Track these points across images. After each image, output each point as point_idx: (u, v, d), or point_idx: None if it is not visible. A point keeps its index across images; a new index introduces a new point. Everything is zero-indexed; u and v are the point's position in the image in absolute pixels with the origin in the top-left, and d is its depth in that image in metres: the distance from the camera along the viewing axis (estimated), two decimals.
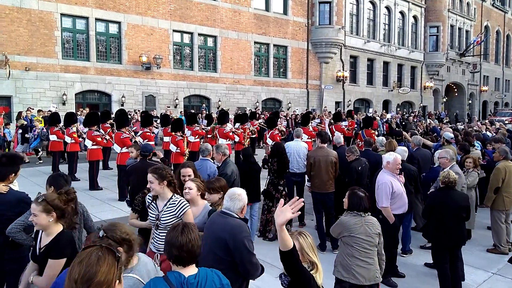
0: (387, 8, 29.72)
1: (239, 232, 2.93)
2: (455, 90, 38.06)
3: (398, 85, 31.21)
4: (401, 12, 30.88)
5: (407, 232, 6.05)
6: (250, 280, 3.21)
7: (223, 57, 21.23)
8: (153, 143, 9.91)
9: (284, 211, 2.29)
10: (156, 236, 3.53)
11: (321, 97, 25.75)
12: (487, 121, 20.65)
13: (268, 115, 16.93)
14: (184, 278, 2.21)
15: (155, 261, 3.39)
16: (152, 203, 3.59)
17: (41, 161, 12.81)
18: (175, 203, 3.48)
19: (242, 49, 21.92)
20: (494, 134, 12.35)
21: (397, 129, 16.35)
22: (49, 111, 14.06)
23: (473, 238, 6.61)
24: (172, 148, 9.56)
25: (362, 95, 28.80)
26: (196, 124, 11.72)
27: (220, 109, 18.97)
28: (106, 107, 17.23)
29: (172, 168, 8.17)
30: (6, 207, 3.51)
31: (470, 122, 25.73)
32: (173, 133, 9.74)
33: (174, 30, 19.39)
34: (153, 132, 11.67)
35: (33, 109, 14.58)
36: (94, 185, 9.53)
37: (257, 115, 17.27)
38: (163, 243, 3.36)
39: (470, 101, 39.02)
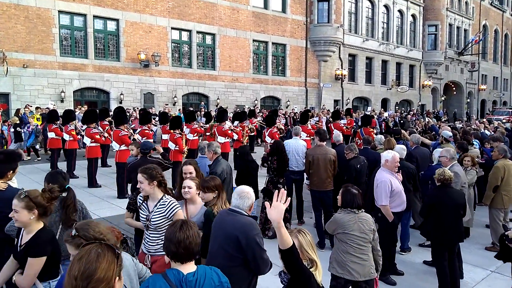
0: (386, 6, 29.72)
1: (250, 230, 2.96)
2: (454, 88, 38.13)
3: (397, 83, 31.26)
4: (400, 11, 30.89)
5: (406, 230, 6.07)
6: None
7: (221, 55, 21.20)
8: (151, 140, 9.89)
9: (276, 206, 2.29)
10: (146, 237, 3.47)
11: (319, 95, 25.76)
12: (484, 119, 20.70)
13: (266, 113, 16.95)
14: (182, 275, 2.21)
15: (145, 262, 3.37)
16: (143, 203, 3.52)
17: (39, 159, 12.78)
18: (165, 204, 3.40)
19: (240, 47, 21.89)
20: (492, 132, 12.38)
21: (394, 127, 16.36)
22: (47, 108, 14.03)
23: (471, 236, 6.62)
24: (171, 146, 9.54)
25: (361, 94, 28.82)
26: (194, 122, 11.70)
27: (218, 107, 18.96)
28: (104, 104, 17.19)
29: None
30: (4, 204, 3.48)
31: (469, 120, 25.79)
32: (172, 131, 9.73)
33: (172, 28, 19.34)
34: (151, 130, 11.64)
35: (31, 106, 14.55)
36: (92, 183, 9.52)
37: (256, 113, 17.25)
38: (154, 244, 3.36)
39: (468, 100, 39.10)
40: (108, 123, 11.68)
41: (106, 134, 10.50)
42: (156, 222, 3.36)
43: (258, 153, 13.76)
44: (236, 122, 13.20)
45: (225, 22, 21.16)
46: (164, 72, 19.20)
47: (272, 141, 10.23)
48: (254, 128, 15.08)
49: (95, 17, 17.14)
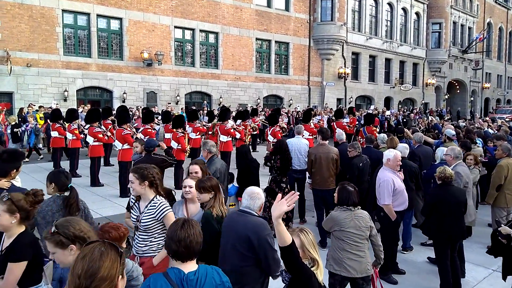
0: (390, 4, 29.61)
1: (262, 230, 2.99)
2: (457, 87, 37.96)
3: (400, 82, 31.15)
4: (404, 9, 30.77)
5: (408, 229, 6.06)
6: None
7: (224, 53, 21.20)
8: (154, 139, 9.91)
9: (280, 205, 2.34)
10: (136, 238, 3.41)
11: (322, 94, 25.71)
12: (487, 118, 20.59)
13: (269, 112, 16.94)
14: (183, 274, 2.22)
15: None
16: (136, 203, 3.46)
17: (41, 157, 12.81)
18: (155, 205, 3.32)
19: (243, 45, 21.88)
20: (496, 131, 12.33)
21: (398, 126, 16.32)
22: (50, 107, 14.08)
23: (473, 235, 6.61)
24: (173, 144, 9.56)
25: (364, 92, 28.75)
26: (197, 121, 11.72)
27: (221, 105, 18.96)
28: (107, 103, 17.25)
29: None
30: None
31: (472, 119, 25.67)
32: (174, 130, 9.75)
33: (175, 27, 19.36)
34: (154, 129, 11.68)
35: (34, 105, 14.61)
36: (95, 182, 9.56)
37: (258, 112, 17.25)
38: (143, 245, 3.33)
39: (472, 98, 38.91)
40: (111, 122, 11.72)
41: (109, 133, 10.54)
42: (145, 224, 3.29)
43: (261, 152, 13.76)
44: (238, 121, 13.20)
45: (228, 21, 21.15)
46: (167, 71, 19.23)
47: (274, 140, 10.25)
48: (257, 127, 15.07)
49: (98, 16, 17.18)
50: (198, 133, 11.38)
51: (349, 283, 3.84)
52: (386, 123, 19.95)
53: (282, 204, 2.34)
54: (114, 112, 13.02)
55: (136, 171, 3.34)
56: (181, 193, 3.85)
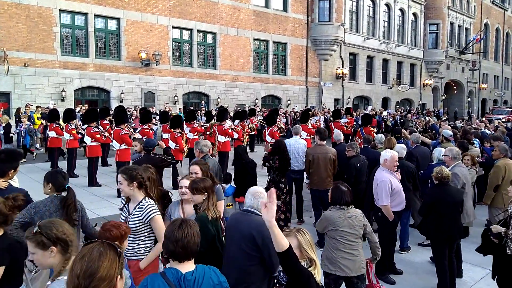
0: (387, 5, 29.68)
1: (266, 229, 2.96)
2: (454, 87, 38.07)
3: (398, 82, 31.22)
4: (401, 9, 30.84)
5: (405, 229, 6.08)
6: None
7: (222, 54, 21.20)
8: (153, 139, 9.90)
9: (270, 207, 2.21)
10: None
11: (320, 94, 25.75)
12: (484, 119, 20.67)
13: (267, 112, 16.95)
14: (181, 274, 2.22)
15: None
16: (126, 205, 3.43)
17: (35, 154, 12.73)
18: (142, 208, 3.27)
19: (241, 46, 21.89)
20: (493, 131, 12.37)
21: (395, 127, 16.35)
22: (47, 107, 14.04)
23: (471, 235, 6.61)
24: (171, 145, 9.55)
25: (362, 93, 28.80)
26: (195, 121, 11.71)
27: (219, 106, 18.97)
28: (105, 103, 17.22)
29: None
30: None
31: (469, 120, 25.75)
32: (172, 130, 9.74)
33: (173, 27, 19.35)
34: (152, 129, 11.65)
35: (31, 105, 14.57)
36: (93, 182, 9.54)
37: (256, 112, 17.26)
38: (130, 248, 3.29)
39: (469, 99, 39.03)
40: (108, 122, 11.70)
41: (106, 133, 10.52)
42: (132, 226, 3.23)
43: (259, 152, 13.78)
44: (236, 121, 13.21)
45: (226, 21, 21.16)
46: (164, 71, 19.21)
47: (272, 141, 10.25)
48: (255, 127, 15.08)
49: (96, 16, 17.15)
50: (196, 133, 11.37)
51: (344, 282, 3.85)
52: (383, 123, 19.98)
53: (271, 207, 2.21)
54: (112, 112, 13.00)
55: (125, 172, 3.30)
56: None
